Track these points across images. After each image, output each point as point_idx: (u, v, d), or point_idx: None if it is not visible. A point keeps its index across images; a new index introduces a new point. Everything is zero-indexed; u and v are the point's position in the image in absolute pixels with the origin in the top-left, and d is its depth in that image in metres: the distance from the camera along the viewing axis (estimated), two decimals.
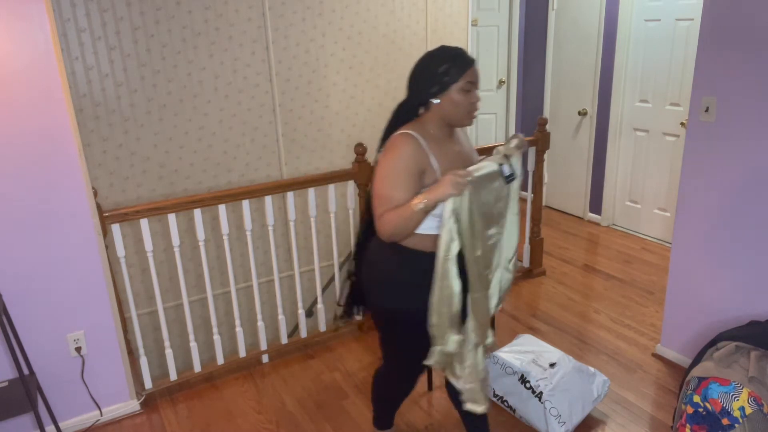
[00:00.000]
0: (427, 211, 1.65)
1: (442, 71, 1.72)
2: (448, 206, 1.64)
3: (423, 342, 1.89)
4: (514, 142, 1.80)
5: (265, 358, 3.04)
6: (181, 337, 3.53)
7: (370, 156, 3.09)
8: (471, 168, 1.67)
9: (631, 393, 2.66)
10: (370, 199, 1.88)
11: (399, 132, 1.76)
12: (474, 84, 1.75)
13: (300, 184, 2.93)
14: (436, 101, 1.75)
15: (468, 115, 1.78)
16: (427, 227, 1.73)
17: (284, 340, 3.10)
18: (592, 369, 2.53)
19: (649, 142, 4.34)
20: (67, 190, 2.31)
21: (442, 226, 1.67)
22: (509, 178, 1.75)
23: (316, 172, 3.65)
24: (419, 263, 1.77)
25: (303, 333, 3.16)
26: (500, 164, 1.73)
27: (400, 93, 4.18)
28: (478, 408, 1.84)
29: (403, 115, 1.83)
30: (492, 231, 1.80)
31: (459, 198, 1.63)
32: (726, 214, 2.50)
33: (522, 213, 4.07)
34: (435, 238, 1.72)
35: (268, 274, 3.73)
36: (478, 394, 1.82)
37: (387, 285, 1.87)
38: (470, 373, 1.81)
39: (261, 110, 3.57)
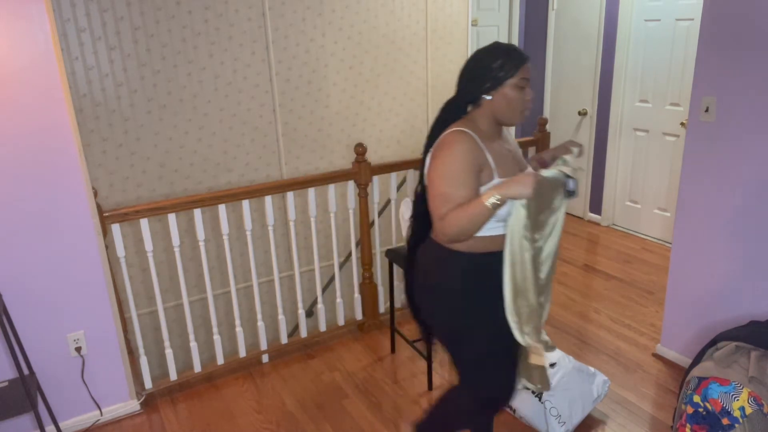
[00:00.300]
0: (497, 207, 1.58)
1: (496, 66, 1.66)
2: (520, 205, 1.59)
3: (503, 357, 1.81)
4: (576, 151, 1.75)
5: (265, 358, 3.04)
6: (181, 337, 3.53)
7: (370, 156, 3.09)
8: (543, 172, 1.63)
9: (631, 393, 2.66)
10: (419, 203, 1.82)
11: (451, 129, 1.70)
12: (528, 81, 1.70)
13: (300, 184, 2.93)
14: (488, 98, 1.70)
15: (520, 113, 1.72)
16: (489, 227, 1.68)
17: (284, 340, 3.10)
18: (592, 369, 2.53)
19: (649, 142, 4.34)
20: (67, 190, 2.31)
21: (514, 226, 1.61)
22: (570, 194, 1.67)
23: (316, 172, 3.65)
24: (486, 264, 1.71)
25: (303, 333, 3.16)
26: (567, 177, 1.66)
27: (401, 93, 4.22)
28: (547, 388, 1.82)
29: (451, 113, 1.77)
30: (536, 236, 1.74)
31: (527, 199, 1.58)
32: (726, 214, 2.50)
33: None
34: (498, 239, 1.68)
35: (268, 274, 3.73)
36: (544, 374, 1.80)
37: (454, 295, 1.76)
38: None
39: (261, 110, 3.57)
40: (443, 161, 1.65)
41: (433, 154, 1.70)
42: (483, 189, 1.65)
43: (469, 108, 1.76)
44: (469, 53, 4.36)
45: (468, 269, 1.73)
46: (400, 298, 3.38)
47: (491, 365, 1.83)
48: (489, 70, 1.67)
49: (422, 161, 1.80)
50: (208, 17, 3.28)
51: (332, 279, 3.91)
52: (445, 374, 2.85)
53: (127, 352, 2.63)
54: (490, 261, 1.69)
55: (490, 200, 1.56)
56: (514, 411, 2.51)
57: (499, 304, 1.70)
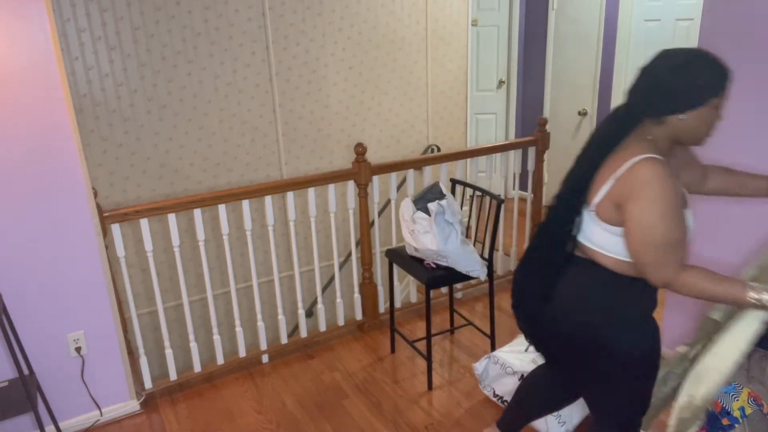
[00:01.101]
0: (756, 307, 1.41)
1: (702, 84, 1.40)
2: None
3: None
4: None
5: (265, 358, 3.04)
6: (181, 337, 3.54)
7: (370, 156, 3.09)
8: None
9: None
10: (549, 234, 1.64)
11: (643, 157, 1.41)
12: (726, 99, 1.46)
13: (300, 184, 2.93)
14: (682, 117, 1.43)
15: (708, 135, 1.48)
16: None
17: (284, 340, 3.10)
18: None
19: None
20: (67, 190, 2.31)
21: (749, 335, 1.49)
22: None
23: (316, 172, 3.65)
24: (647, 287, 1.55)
25: (303, 333, 3.16)
26: None
27: (401, 93, 4.21)
28: None
29: (624, 128, 1.50)
30: None
31: None
32: (726, 214, 2.50)
33: (522, 213, 4.08)
34: None
35: (268, 274, 3.74)
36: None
37: (644, 321, 1.59)
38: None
39: (261, 110, 3.57)
40: (656, 201, 1.39)
41: (636, 191, 1.41)
42: None
43: (644, 122, 1.50)
44: (469, 53, 4.38)
45: (645, 293, 1.59)
46: (399, 298, 3.38)
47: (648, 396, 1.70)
48: (693, 86, 1.41)
49: (585, 182, 1.52)
50: (208, 17, 3.28)
51: (332, 279, 3.91)
52: (445, 374, 2.85)
53: (127, 352, 2.63)
54: None
55: (760, 297, 1.38)
56: None
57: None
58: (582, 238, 1.58)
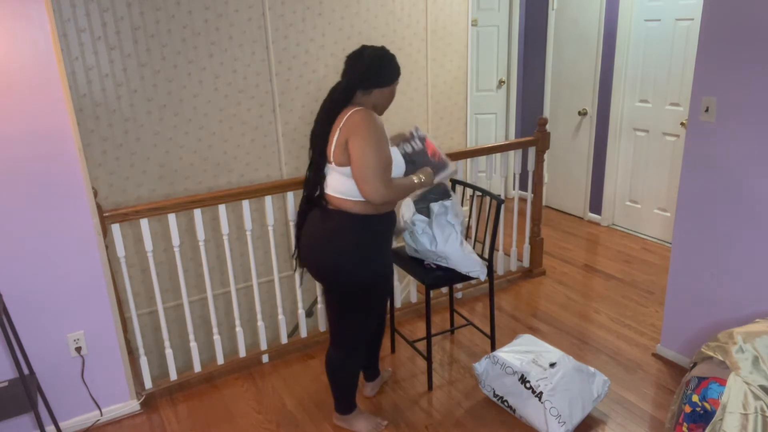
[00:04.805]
0: None
1: (393, 69, 2.12)
2: None
3: None
4: None
5: (265, 358, 3.04)
6: (181, 337, 3.54)
7: None
8: None
9: (631, 393, 2.66)
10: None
11: (356, 108, 2.07)
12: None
13: (300, 184, 2.93)
14: (381, 90, 2.11)
15: (387, 107, 2.19)
16: None
17: (284, 340, 3.10)
18: (592, 369, 2.53)
19: (649, 142, 4.34)
20: (67, 190, 2.31)
21: None
22: None
23: None
24: None
25: (303, 333, 3.16)
26: None
27: (401, 92, 4.18)
28: None
29: (345, 98, 2.13)
30: None
31: None
32: (726, 214, 2.50)
33: (522, 213, 4.08)
34: None
35: (268, 274, 3.74)
36: None
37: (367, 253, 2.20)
38: None
39: (261, 110, 3.57)
40: (368, 136, 1.99)
41: (353, 130, 2.00)
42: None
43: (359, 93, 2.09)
44: (469, 53, 4.38)
45: (386, 231, 2.29)
46: (399, 298, 3.38)
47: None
48: (389, 69, 2.08)
49: (324, 140, 2.09)
50: (208, 17, 3.28)
51: None
52: (445, 374, 2.85)
53: (127, 352, 2.63)
54: None
55: (419, 178, 2.21)
56: (514, 411, 2.51)
57: None
58: (330, 191, 2.10)
